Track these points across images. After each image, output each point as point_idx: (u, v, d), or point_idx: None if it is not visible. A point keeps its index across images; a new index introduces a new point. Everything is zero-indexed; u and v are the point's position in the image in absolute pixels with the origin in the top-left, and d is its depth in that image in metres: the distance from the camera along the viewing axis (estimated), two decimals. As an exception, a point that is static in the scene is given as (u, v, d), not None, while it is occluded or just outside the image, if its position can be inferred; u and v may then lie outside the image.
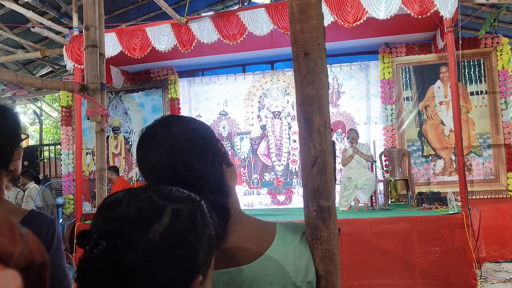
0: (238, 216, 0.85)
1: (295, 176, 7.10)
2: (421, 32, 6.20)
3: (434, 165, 6.42)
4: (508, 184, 6.09)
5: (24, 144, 1.14)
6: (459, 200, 4.63)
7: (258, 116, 7.35)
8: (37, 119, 12.88)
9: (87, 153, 7.56)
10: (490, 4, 5.77)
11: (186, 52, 5.75)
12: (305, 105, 0.84)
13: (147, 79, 7.50)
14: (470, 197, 5.65)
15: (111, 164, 7.27)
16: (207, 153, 0.81)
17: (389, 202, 6.13)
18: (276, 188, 7.17)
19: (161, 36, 5.70)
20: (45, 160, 10.42)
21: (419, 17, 4.94)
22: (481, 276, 4.69)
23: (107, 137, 7.41)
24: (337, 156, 6.30)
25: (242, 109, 7.40)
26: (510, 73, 6.19)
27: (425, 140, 6.47)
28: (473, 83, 6.35)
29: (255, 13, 5.40)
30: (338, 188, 5.64)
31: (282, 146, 7.22)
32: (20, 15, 6.14)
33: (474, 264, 4.30)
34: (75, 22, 6.14)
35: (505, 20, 6.55)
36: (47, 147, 11.21)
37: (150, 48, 5.75)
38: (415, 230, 4.45)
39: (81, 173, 6.16)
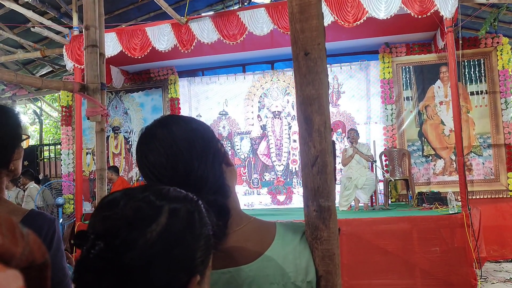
0: (238, 216, 0.85)
1: (295, 176, 7.10)
2: (421, 32, 6.20)
3: (434, 165, 6.42)
4: (508, 184, 6.09)
5: (25, 144, 1.14)
6: (459, 200, 4.63)
7: (258, 116, 7.35)
8: (37, 119, 12.89)
9: (87, 153, 7.56)
10: (490, 4, 5.77)
11: (186, 52, 5.75)
12: (305, 105, 0.84)
13: (147, 79, 7.50)
14: (470, 197, 5.64)
15: (111, 164, 7.27)
16: (207, 153, 0.81)
17: (389, 202, 6.12)
18: (276, 188, 7.17)
19: (161, 36, 5.70)
20: (45, 160, 10.42)
21: (419, 17, 4.93)
22: (481, 276, 4.69)
23: (107, 137, 7.41)
24: (337, 156, 6.30)
25: (242, 109, 7.40)
26: (510, 73, 6.19)
27: (425, 140, 6.47)
28: (473, 83, 6.35)
29: (255, 13, 5.40)
30: (338, 188, 5.65)
31: (282, 146, 7.22)
32: (20, 15, 6.14)
33: (474, 264, 4.30)
34: (75, 22, 6.14)
35: (505, 20, 6.55)
36: (47, 147, 11.21)
37: (150, 48, 5.75)
38: (415, 230, 4.45)
39: (81, 173, 6.16)
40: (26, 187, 6.88)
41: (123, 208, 0.57)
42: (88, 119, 2.41)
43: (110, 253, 0.53)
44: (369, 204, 5.72)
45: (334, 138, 6.93)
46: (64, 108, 7.72)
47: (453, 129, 5.11)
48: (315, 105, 0.83)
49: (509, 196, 6.06)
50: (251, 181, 7.28)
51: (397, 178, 6.21)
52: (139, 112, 7.54)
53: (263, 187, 7.24)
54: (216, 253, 0.69)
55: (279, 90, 7.27)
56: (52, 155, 10.62)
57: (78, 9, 6.04)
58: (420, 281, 4.36)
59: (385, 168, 6.30)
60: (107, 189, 3.04)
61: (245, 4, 7.48)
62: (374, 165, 5.72)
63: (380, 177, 5.92)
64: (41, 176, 8.84)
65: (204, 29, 5.56)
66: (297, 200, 6.99)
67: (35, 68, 8.38)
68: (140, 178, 6.63)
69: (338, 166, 6.03)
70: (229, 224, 0.78)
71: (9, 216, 0.49)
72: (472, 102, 6.34)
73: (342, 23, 5.07)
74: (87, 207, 7.10)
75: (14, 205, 1.18)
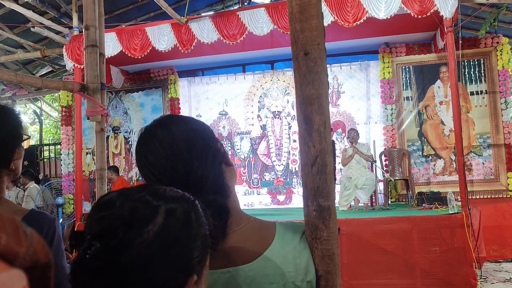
0: (237, 215, 0.85)
1: (295, 176, 7.10)
2: (421, 32, 6.20)
3: (434, 165, 6.42)
4: (508, 184, 6.09)
5: (25, 144, 1.14)
6: (459, 200, 4.63)
7: (258, 116, 7.35)
8: (37, 119, 12.88)
9: (87, 153, 7.56)
10: (490, 4, 5.77)
11: (186, 52, 5.75)
12: (305, 105, 0.84)
13: (147, 79, 7.50)
14: (470, 197, 5.65)
15: (111, 164, 7.27)
16: (207, 153, 0.81)
17: (389, 202, 6.13)
18: (276, 188, 7.17)
19: (161, 36, 5.71)
20: (45, 160, 10.42)
21: (419, 17, 4.94)
22: (481, 276, 4.69)
23: (107, 137, 7.41)
24: (337, 156, 6.30)
25: (242, 109, 7.40)
26: (510, 73, 6.19)
27: (425, 140, 6.47)
28: (473, 83, 6.35)
29: (255, 13, 5.40)
30: (338, 188, 5.65)
31: (282, 146, 7.23)
32: (20, 15, 6.14)
33: (474, 264, 4.30)
34: (75, 22, 6.14)
35: (505, 20, 6.55)
36: (47, 147, 11.22)
37: (150, 48, 5.75)
38: (415, 230, 4.45)
39: (81, 173, 6.16)
40: (26, 187, 6.88)
41: (119, 208, 0.57)
42: (88, 119, 2.41)
43: (107, 254, 0.53)
44: (369, 204, 5.72)
45: (334, 138, 6.93)
46: (64, 108, 7.73)
47: (453, 129, 5.11)
48: (315, 105, 0.83)
49: (509, 196, 6.06)
50: (251, 181, 7.28)
51: (397, 178, 6.21)
52: (139, 112, 7.54)
53: (263, 187, 7.24)
54: (216, 253, 0.69)
55: (279, 90, 7.27)
56: (52, 155, 10.62)
57: (78, 9, 6.04)
58: (420, 281, 4.36)
59: (385, 168, 6.30)
60: (107, 189, 3.04)
61: (245, 4, 7.48)
62: (374, 165, 5.72)
63: (380, 177, 5.92)
64: (41, 176, 8.85)
65: (204, 29, 5.56)
66: (297, 200, 6.99)
67: (35, 68, 8.38)
68: (140, 178, 6.63)
69: (338, 166, 6.03)
70: (228, 224, 0.78)
71: (12, 216, 0.49)
72: (472, 102, 6.34)
73: (342, 23, 5.07)
74: (87, 207, 7.09)
75: (15, 205, 1.19)
